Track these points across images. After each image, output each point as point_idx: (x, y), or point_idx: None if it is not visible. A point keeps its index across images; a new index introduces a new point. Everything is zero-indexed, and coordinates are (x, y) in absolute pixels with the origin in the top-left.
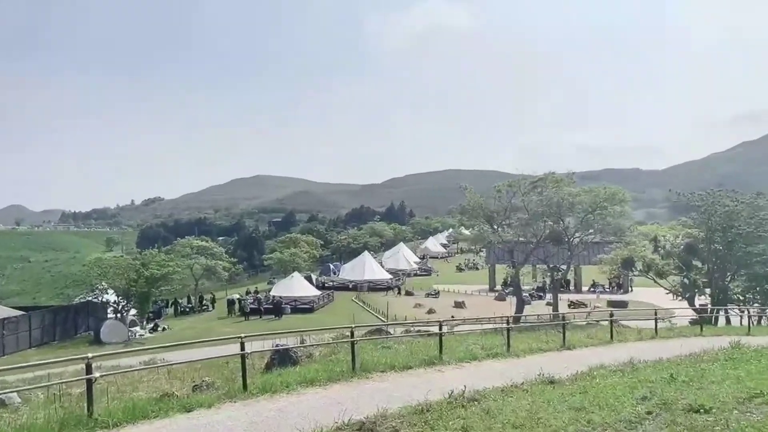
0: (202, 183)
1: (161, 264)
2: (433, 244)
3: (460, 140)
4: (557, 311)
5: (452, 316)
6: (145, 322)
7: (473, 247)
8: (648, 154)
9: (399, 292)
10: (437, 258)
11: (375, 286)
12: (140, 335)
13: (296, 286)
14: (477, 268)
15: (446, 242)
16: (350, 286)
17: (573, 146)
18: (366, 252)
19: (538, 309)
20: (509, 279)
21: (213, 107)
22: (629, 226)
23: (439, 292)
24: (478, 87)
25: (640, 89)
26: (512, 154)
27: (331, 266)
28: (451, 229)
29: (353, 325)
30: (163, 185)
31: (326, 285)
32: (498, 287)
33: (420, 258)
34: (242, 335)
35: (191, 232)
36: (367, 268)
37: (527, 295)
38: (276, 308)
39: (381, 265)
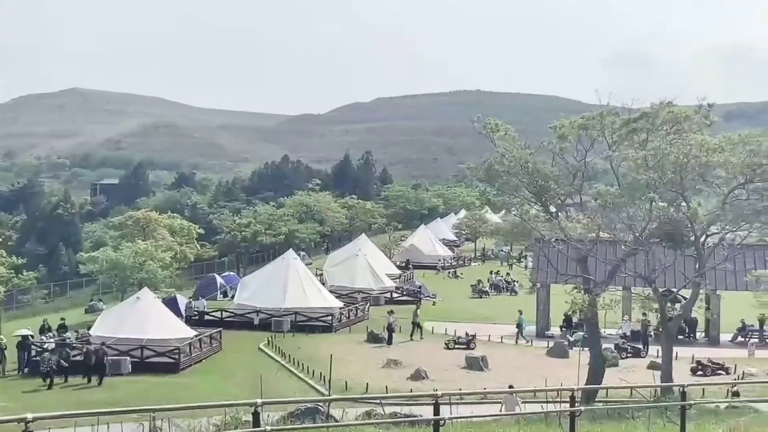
0: None
1: None
2: (428, 239)
3: (483, 37)
4: (671, 380)
5: (460, 389)
6: None
7: (505, 250)
8: None
9: (378, 336)
10: (436, 269)
11: (308, 322)
12: None
13: (145, 319)
14: (514, 292)
15: (454, 239)
16: (256, 321)
17: (712, 50)
18: (290, 253)
19: (632, 375)
20: (577, 314)
21: None
22: None
23: (473, 338)
24: None
25: None
26: (586, 68)
27: (219, 279)
28: (463, 212)
29: (259, 401)
30: None
31: (207, 316)
32: (553, 330)
33: (401, 267)
34: (30, 416)
35: None
36: (291, 284)
37: (611, 347)
38: (101, 362)
39: (321, 279)
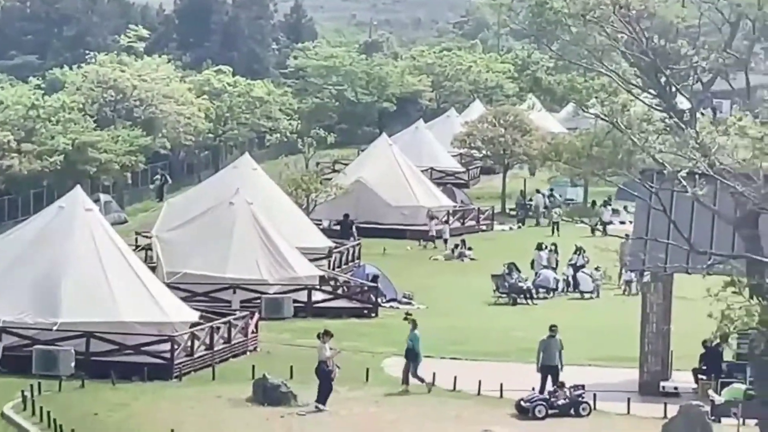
0: None
1: None
2: (395, 169)
3: None
4: None
5: None
6: None
7: (572, 195)
8: None
9: (278, 389)
10: (418, 239)
11: (118, 356)
12: None
13: None
14: (591, 292)
15: (457, 167)
16: None
17: None
18: (77, 197)
19: None
20: (734, 344)
21: None
22: None
23: (582, 391)
24: None
25: None
26: None
27: None
28: (478, 107)
29: None
30: None
31: None
32: (677, 378)
33: (334, 230)
34: None
35: None
36: (77, 270)
37: None
38: None
39: (147, 258)
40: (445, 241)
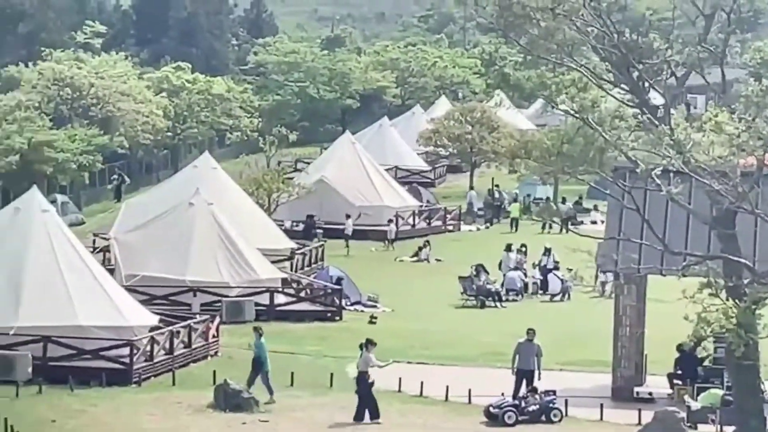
0: None
1: None
2: (359, 167)
3: None
4: None
5: None
6: None
7: (537, 195)
8: None
9: (239, 395)
10: (385, 240)
11: (76, 361)
12: None
13: None
14: (564, 294)
15: (423, 167)
16: None
17: None
18: (34, 199)
19: None
20: (710, 349)
21: None
22: None
23: (553, 398)
24: None
25: None
26: None
27: None
28: (444, 104)
29: None
30: None
31: None
32: (651, 383)
33: (294, 230)
34: None
35: None
36: (34, 274)
37: None
38: None
39: (105, 261)
40: (391, 241)
